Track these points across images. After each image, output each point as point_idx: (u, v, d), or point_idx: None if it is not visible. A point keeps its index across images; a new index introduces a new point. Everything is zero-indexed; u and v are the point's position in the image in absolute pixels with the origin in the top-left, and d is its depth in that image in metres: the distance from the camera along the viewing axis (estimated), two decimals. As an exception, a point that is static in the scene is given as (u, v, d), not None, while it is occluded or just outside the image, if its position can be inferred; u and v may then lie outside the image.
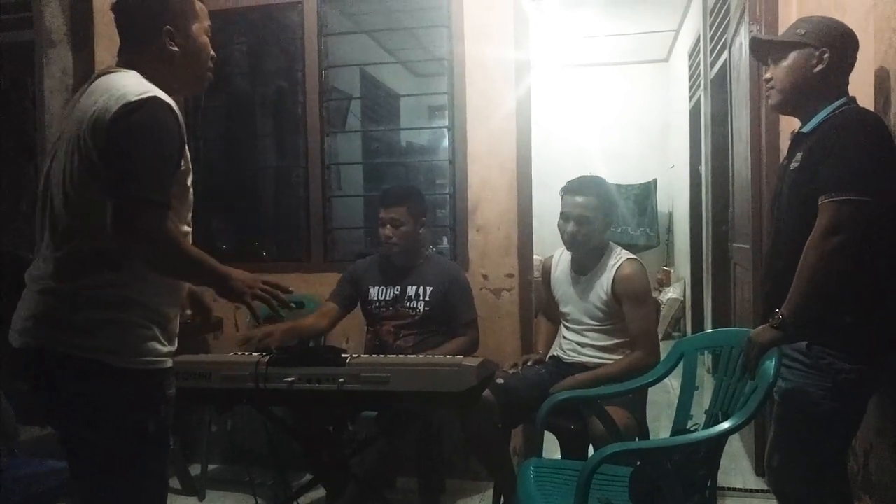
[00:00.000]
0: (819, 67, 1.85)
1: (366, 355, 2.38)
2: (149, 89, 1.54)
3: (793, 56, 1.88)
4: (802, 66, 1.87)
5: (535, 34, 3.75)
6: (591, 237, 2.66)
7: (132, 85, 1.55)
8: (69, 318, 1.55)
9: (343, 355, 2.12)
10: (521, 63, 3.19)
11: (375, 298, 2.88)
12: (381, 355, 2.44)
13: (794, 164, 1.86)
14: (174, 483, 3.11)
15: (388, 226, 2.78)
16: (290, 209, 3.70)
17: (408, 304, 2.83)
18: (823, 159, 1.75)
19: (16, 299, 1.65)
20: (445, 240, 3.54)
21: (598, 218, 2.65)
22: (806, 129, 1.88)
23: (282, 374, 2.04)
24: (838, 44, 1.86)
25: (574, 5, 5.79)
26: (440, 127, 3.52)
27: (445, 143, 3.46)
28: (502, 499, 2.69)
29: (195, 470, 3.19)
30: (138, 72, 1.62)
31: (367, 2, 3.47)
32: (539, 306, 3.06)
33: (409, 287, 2.84)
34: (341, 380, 2.00)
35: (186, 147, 1.60)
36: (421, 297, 2.83)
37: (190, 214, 1.70)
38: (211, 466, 3.31)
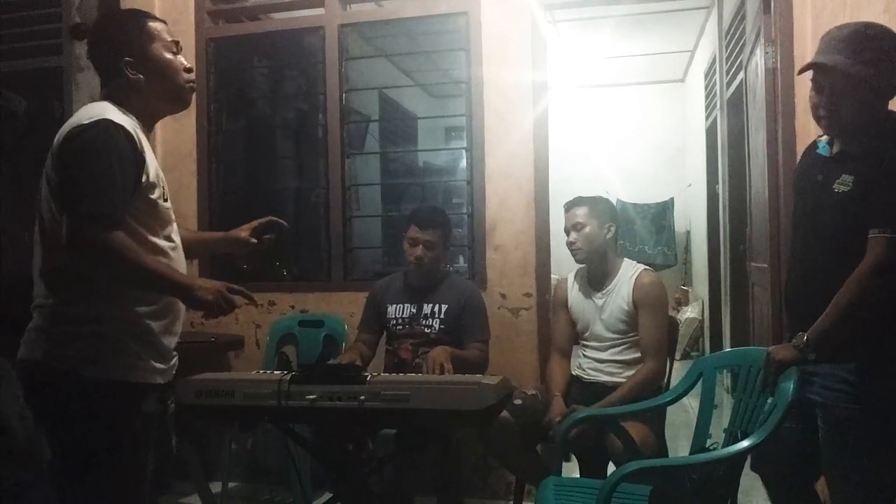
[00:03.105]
0: (882, 92, 1.72)
1: (385, 374, 2.40)
2: (100, 113, 1.62)
3: (857, 84, 1.69)
4: (869, 92, 1.70)
5: (551, 55, 3.79)
6: (591, 243, 2.72)
7: (89, 110, 1.64)
8: (49, 330, 1.64)
9: (364, 373, 2.15)
10: (538, 85, 3.23)
11: (393, 316, 2.91)
12: (401, 373, 2.47)
13: (840, 188, 1.74)
14: (195, 500, 3.14)
15: (422, 247, 2.80)
16: (310, 229, 3.74)
17: (423, 322, 2.86)
18: (879, 189, 1.67)
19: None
20: (462, 259, 3.57)
21: (593, 223, 2.72)
22: (851, 148, 1.77)
23: (304, 391, 2.06)
24: (893, 58, 1.69)
25: (590, 27, 5.85)
26: (458, 148, 3.56)
27: (462, 163, 3.49)
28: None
29: (216, 487, 3.21)
30: (113, 100, 1.70)
31: (387, 26, 3.53)
32: (552, 339, 2.97)
33: (425, 305, 2.87)
34: (362, 397, 2.02)
35: (149, 163, 1.66)
36: (436, 315, 2.85)
37: (170, 229, 1.75)
38: (231, 484, 3.34)
